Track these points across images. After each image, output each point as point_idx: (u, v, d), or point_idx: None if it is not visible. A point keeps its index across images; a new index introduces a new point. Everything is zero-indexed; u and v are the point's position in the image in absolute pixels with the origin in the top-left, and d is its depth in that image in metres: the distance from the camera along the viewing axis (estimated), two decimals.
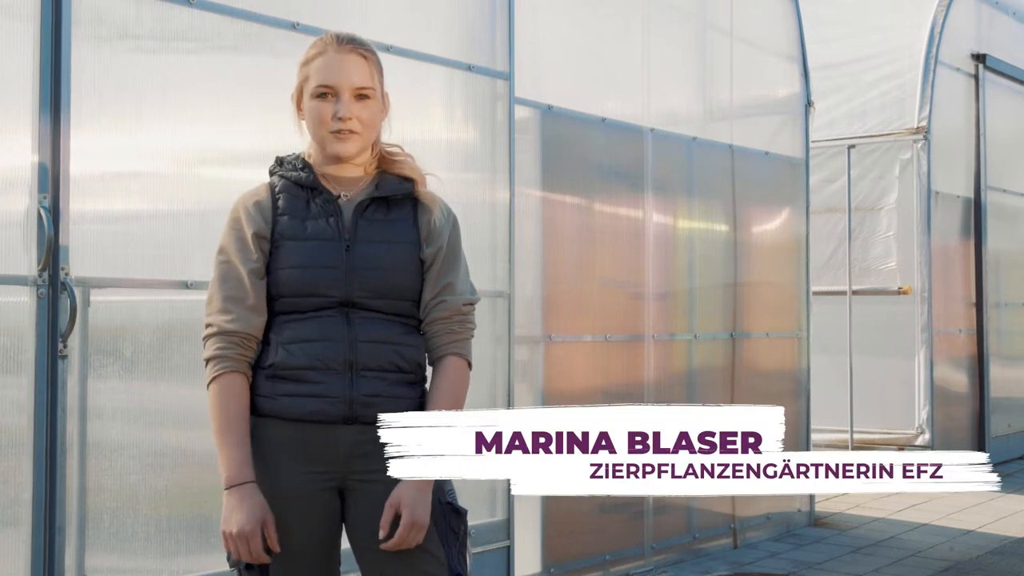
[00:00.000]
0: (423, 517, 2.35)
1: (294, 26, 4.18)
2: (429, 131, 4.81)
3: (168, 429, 3.80)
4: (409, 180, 2.55)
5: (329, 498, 2.44)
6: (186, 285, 3.82)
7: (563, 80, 5.60)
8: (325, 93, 2.47)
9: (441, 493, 2.45)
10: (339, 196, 2.50)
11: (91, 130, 3.60)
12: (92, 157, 3.60)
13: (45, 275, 3.44)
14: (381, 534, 2.36)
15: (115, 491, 3.65)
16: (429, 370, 2.55)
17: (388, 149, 2.59)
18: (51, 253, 3.44)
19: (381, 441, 2.38)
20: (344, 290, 2.42)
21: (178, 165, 3.87)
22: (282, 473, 2.41)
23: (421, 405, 2.50)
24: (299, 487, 2.41)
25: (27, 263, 3.44)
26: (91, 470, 3.58)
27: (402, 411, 2.42)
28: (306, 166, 2.53)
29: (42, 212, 3.43)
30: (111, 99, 3.67)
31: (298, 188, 2.51)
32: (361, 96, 2.48)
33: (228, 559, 2.45)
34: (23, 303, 3.43)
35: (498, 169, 5.07)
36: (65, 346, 3.47)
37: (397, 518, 2.35)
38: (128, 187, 3.78)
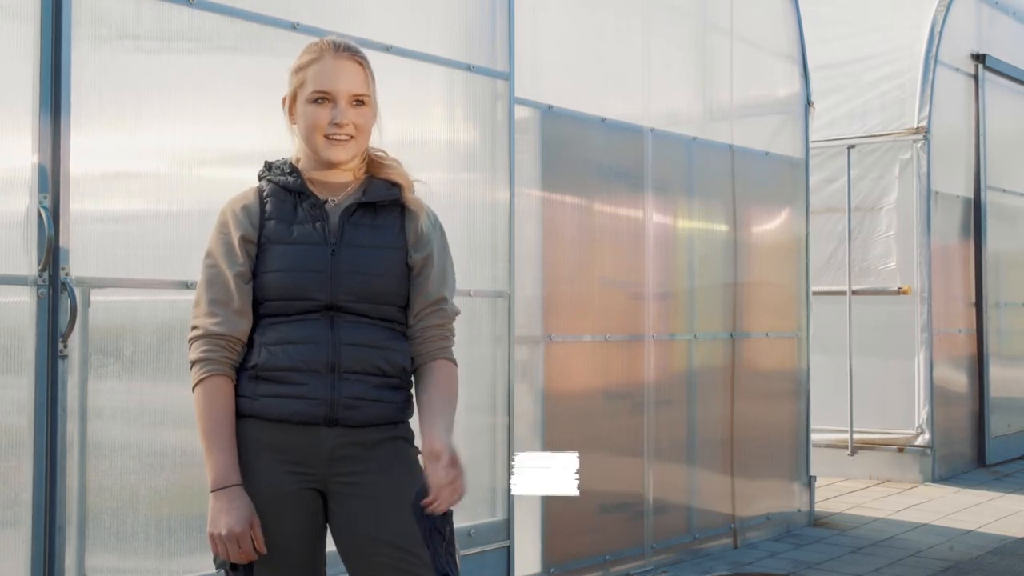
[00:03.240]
0: (460, 459, 2.41)
1: (294, 26, 4.18)
2: (429, 131, 4.81)
3: (168, 429, 3.80)
4: (396, 186, 2.57)
5: (311, 498, 2.45)
6: (186, 285, 3.82)
7: (563, 80, 5.60)
8: (322, 99, 2.49)
9: (425, 494, 2.45)
10: (326, 201, 2.52)
11: (91, 130, 3.60)
12: (92, 157, 3.60)
13: (45, 275, 3.44)
14: (433, 480, 2.37)
15: (115, 491, 3.65)
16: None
17: (376, 153, 2.61)
18: (51, 253, 3.44)
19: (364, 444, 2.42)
20: (329, 294, 2.43)
21: (178, 165, 3.87)
22: (263, 473, 2.42)
23: (405, 409, 2.53)
24: (280, 486, 2.42)
25: (27, 263, 3.44)
26: (91, 470, 3.58)
27: (386, 415, 2.46)
28: (294, 170, 2.54)
29: (42, 212, 3.43)
30: (111, 99, 3.67)
31: (286, 192, 2.52)
32: (357, 103, 2.50)
33: (215, 560, 2.46)
34: (23, 303, 3.43)
35: (498, 169, 5.07)
36: (65, 346, 3.47)
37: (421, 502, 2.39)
38: (128, 187, 3.78)
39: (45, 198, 3.45)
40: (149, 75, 3.79)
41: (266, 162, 2.60)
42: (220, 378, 2.43)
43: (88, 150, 3.58)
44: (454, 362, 2.56)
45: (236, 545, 2.36)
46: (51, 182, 3.47)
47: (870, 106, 9.25)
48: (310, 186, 2.52)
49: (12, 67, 3.44)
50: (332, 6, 4.41)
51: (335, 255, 2.45)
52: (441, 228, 2.61)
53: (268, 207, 2.51)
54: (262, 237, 2.48)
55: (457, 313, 2.59)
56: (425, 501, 2.38)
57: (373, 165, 2.59)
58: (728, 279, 6.60)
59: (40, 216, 3.43)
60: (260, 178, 2.59)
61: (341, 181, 2.55)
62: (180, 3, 3.84)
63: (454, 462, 2.39)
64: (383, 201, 2.53)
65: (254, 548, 2.38)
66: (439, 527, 2.45)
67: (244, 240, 2.47)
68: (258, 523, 2.39)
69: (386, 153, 2.63)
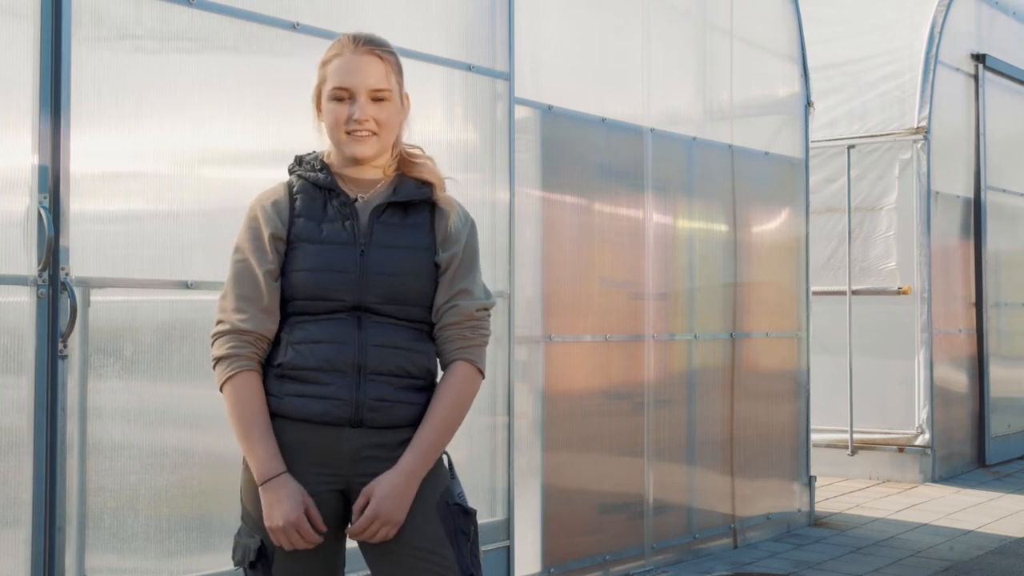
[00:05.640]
0: (390, 512, 2.34)
1: (294, 26, 4.18)
2: (429, 131, 4.81)
3: (168, 429, 3.80)
4: (428, 184, 2.53)
5: (334, 500, 2.44)
6: (186, 285, 3.82)
7: (563, 80, 5.60)
8: (341, 95, 2.45)
9: (449, 495, 2.45)
10: (356, 199, 2.49)
11: (91, 130, 3.60)
12: (92, 157, 3.60)
13: (45, 275, 3.44)
14: (353, 519, 2.37)
15: (115, 491, 3.65)
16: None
17: (409, 151, 2.57)
18: (51, 253, 3.44)
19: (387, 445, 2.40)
20: (357, 294, 2.41)
21: (178, 165, 3.87)
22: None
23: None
24: (304, 487, 2.39)
25: (27, 263, 3.44)
26: (91, 470, 3.58)
27: (409, 416, 2.43)
28: (324, 167, 2.51)
29: (42, 212, 3.43)
30: (111, 99, 3.67)
31: (316, 189, 2.49)
32: (377, 98, 2.46)
33: (232, 557, 2.45)
34: (23, 303, 3.43)
35: (498, 169, 5.07)
36: (65, 346, 3.47)
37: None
38: (128, 187, 3.78)
39: (45, 198, 3.45)
40: (149, 75, 3.79)
41: (296, 156, 2.57)
42: (249, 373, 2.41)
43: (88, 150, 3.58)
44: (471, 362, 2.49)
45: (296, 533, 2.33)
46: (51, 182, 3.47)
47: (870, 106, 9.25)
48: (340, 183, 2.49)
49: (12, 67, 3.44)
50: (332, 6, 4.41)
51: (363, 255, 2.42)
52: (472, 227, 2.56)
53: (298, 204, 2.48)
54: (291, 235, 2.45)
55: (481, 308, 2.50)
56: (352, 522, 2.38)
57: (405, 163, 2.55)
58: (728, 279, 6.60)
59: (40, 216, 3.43)
60: (290, 172, 2.55)
61: (371, 178, 2.52)
62: (180, 3, 3.84)
63: (373, 517, 2.34)
64: (413, 200, 2.50)
65: (315, 530, 2.36)
66: (463, 527, 2.43)
67: (274, 237, 2.44)
68: (313, 504, 2.36)
69: (422, 150, 2.59)
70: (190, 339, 3.81)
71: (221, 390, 2.44)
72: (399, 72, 2.52)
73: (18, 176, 3.45)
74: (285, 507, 2.33)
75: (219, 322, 2.46)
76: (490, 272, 4.99)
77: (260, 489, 2.37)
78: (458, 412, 2.46)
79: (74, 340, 3.52)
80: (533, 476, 5.28)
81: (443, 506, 2.41)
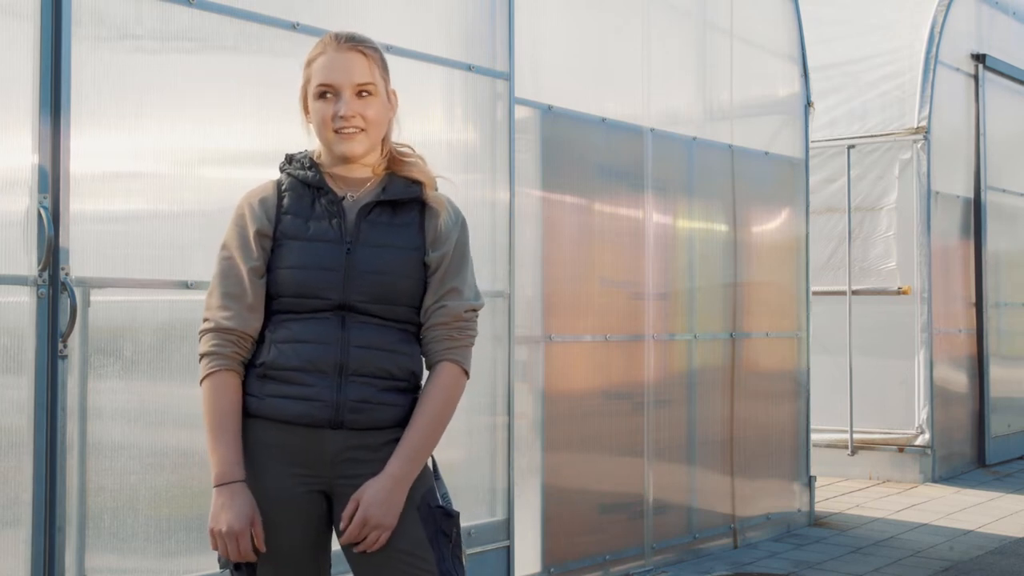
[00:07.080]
0: (379, 518, 2.33)
1: (294, 26, 4.19)
2: (429, 131, 4.81)
3: (168, 429, 3.80)
4: (417, 183, 2.51)
5: (316, 501, 2.42)
6: (186, 285, 3.82)
7: (563, 80, 5.60)
8: (326, 93, 2.44)
9: (431, 497, 2.43)
10: (344, 197, 2.47)
11: (91, 130, 3.60)
12: (92, 157, 3.60)
13: (45, 275, 3.44)
14: (341, 526, 2.37)
15: (115, 491, 3.65)
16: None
17: (399, 149, 2.56)
18: (51, 253, 3.44)
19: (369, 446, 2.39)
20: (342, 293, 2.39)
21: (178, 165, 3.87)
22: (268, 475, 2.40)
23: (410, 412, 2.45)
24: (284, 489, 2.39)
25: (27, 263, 3.44)
26: (91, 470, 3.58)
27: (392, 418, 2.42)
28: (313, 165, 2.50)
29: (42, 212, 3.43)
30: (111, 99, 3.67)
31: (304, 187, 2.48)
32: (363, 93, 2.45)
33: (219, 560, 2.44)
34: (23, 303, 3.43)
35: (498, 169, 5.07)
36: (65, 346, 3.47)
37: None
38: (128, 187, 3.78)
39: (45, 198, 3.45)
40: (149, 75, 3.79)
41: (287, 154, 2.56)
42: (228, 373, 2.41)
43: (88, 150, 3.58)
44: (457, 363, 2.46)
45: (235, 543, 2.33)
46: (51, 182, 3.47)
47: (870, 106, 9.25)
48: (329, 181, 2.48)
49: (12, 67, 3.44)
50: (332, 6, 4.41)
51: (350, 254, 2.41)
52: (463, 225, 2.54)
53: (286, 201, 2.47)
54: (277, 232, 2.44)
55: (470, 309, 2.48)
56: (342, 528, 2.37)
57: (395, 161, 2.54)
58: (728, 279, 6.60)
59: (40, 216, 3.43)
60: (281, 170, 2.54)
61: (361, 176, 2.51)
62: (180, 3, 3.84)
63: (363, 522, 2.33)
64: (402, 199, 2.48)
65: (254, 547, 2.36)
66: (445, 529, 2.41)
67: (259, 234, 2.44)
68: (259, 521, 2.36)
69: (412, 149, 2.57)
70: (190, 339, 3.80)
71: (200, 386, 2.44)
72: (384, 68, 2.51)
73: (18, 176, 3.45)
74: (231, 516, 2.33)
75: (205, 319, 2.45)
76: (490, 272, 4.99)
77: (215, 490, 2.37)
78: (445, 414, 2.45)
79: (74, 340, 3.52)
80: (533, 476, 5.28)
81: (425, 508, 2.40)
